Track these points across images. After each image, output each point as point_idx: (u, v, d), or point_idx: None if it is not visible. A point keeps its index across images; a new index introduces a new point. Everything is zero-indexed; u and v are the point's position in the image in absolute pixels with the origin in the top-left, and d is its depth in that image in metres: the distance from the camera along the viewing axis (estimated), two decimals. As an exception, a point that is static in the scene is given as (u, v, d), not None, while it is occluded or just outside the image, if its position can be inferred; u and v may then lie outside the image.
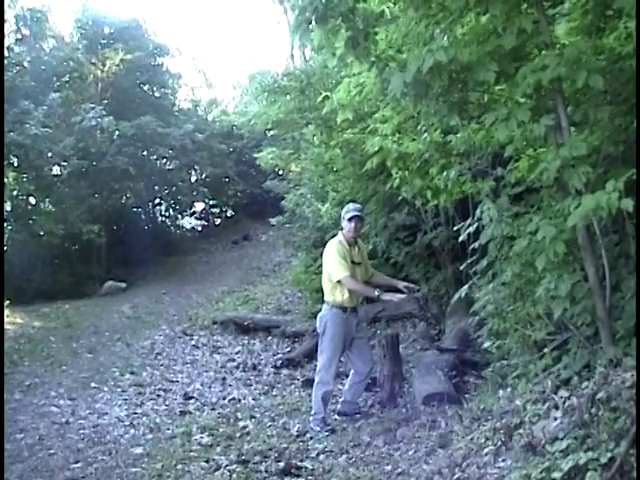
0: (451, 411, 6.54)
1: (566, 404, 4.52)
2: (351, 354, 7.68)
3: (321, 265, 7.61)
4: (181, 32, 56.29)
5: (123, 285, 20.76)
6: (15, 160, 20.50)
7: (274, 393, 9.38)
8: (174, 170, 27.01)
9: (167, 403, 9.08)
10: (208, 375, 10.67)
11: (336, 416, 7.67)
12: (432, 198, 7.14)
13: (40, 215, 21.35)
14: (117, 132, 22.75)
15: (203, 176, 29.52)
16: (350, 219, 7.44)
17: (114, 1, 44.17)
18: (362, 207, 8.17)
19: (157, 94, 27.11)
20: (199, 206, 30.05)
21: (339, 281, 7.30)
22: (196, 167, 28.73)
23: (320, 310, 7.72)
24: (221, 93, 50.24)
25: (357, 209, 7.59)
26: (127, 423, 8.19)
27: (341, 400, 7.84)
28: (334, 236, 7.78)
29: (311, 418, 7.43)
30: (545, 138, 5.21)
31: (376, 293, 7.25)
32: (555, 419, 4.46)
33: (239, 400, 9.07)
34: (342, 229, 7.61)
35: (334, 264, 7.33)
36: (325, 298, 7.57)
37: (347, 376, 8.80)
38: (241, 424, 7.82)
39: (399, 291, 7.56)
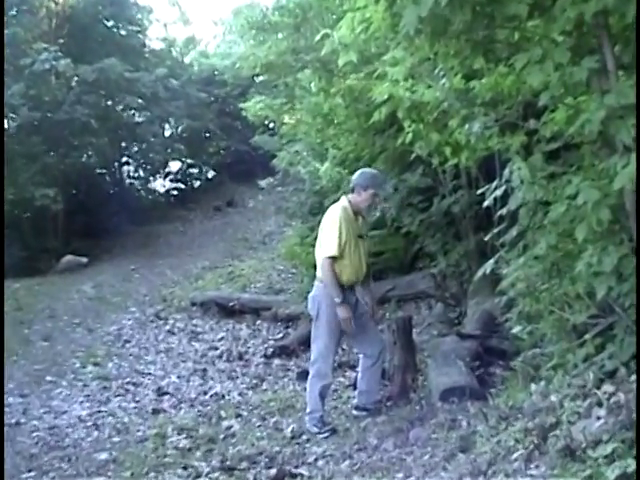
0: (474, 408, 6.55)
1: (611, 401, 4.53)
2: (353, 337, 7.67)
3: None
4: (151, -43, 55.88)
5: (84, 260, 20.71)
6: (-48, 111, 20.43)
7: (264, 387, 9.43)
8: (144, 123, 26.86)
9: (137, 400, 9.12)
10: (186, 366, 10.70)
11: (353, 411, 7.68)
12: (452, 156, 7.12)
13: (-17, 177, 21.30)
14: (76, 77, 22.60)
15: (179, 130, 29.44)
16: (375, 194, 7.39)
17: None
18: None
19: (123, 32, 26.83)
20: (174, 166, 29.96)
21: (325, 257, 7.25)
22: (170, 120, 28.61)
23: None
24: (200, 31, 49.98)
25: (387, 183, 7.55)
26: (90, 424, 8.22)
27: (356, 392, 7.84)
28: (335, 201, 7.72)
29: (307, 418, 7.43)
30: (587, 84, 5.17)
31: (337, 300, 7.20)
32: (598, 418, 4.47)
33: (222, 396, 9.10)
34: (347, 193, 7.56)
35: (331, 237, 7.21)
36: (319, 275, 7.48)
37: (351, 367, 8.86)
38: (225, 424, 7.86)
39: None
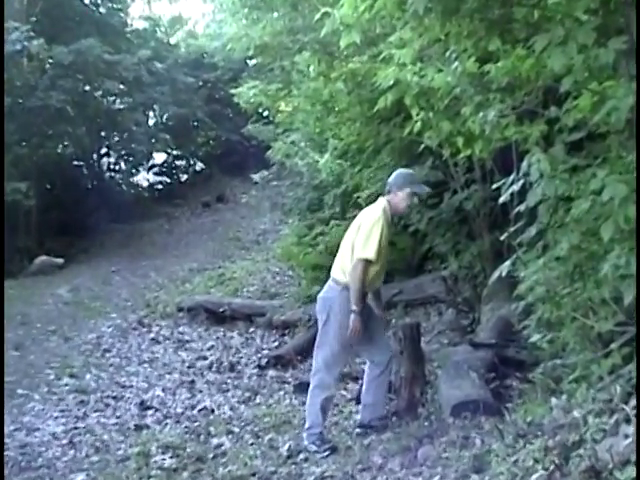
0: (488, 425, 6.55)
1: (640, 417, 4.52)
2: (360, 344, 7.60)
3: (319, 234, 7.60)
4: None
5: (60, 261, 20.70)
6: None
7: (258, 401, 9.42)
8: (126, 111, 26.87)
9: (118, 415, 9.10)
10: (172, 378, 10.69)
11: (357, 429, 7.62)
12: (464, 147, 7.11)
13: (-50, 169, 21.28)
14: (50, 60, 22.57)
15: (164, 118, 29.47)
16: (412, 193, 7.45)
17: None
18: None
19: (102, 10, 26.84)
20: (159, 158, 29.97)
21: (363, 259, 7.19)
22: (155, 107, 28.65)
23: (320, 291, 7.67)
24: (187, 9, 49.87)
25: (423, 183, 7.64)
26: (65, 441, 8.20)
27: (360, 407, 7.82)
28: (371, 202, 7.70)
29: (305, 434, 7.41)
30: (614, 67, 5.16)
31: (356, 309, 7.14)
32: (626, 436, 4.46)
33: (212, 410, 9.10)
34: (384, 194, 7.53)
35: (372, 240, 7.16)
36: (336, 276, 7.43)
37: (354, 379, 8.83)
38: (215, 442, 7.86)
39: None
